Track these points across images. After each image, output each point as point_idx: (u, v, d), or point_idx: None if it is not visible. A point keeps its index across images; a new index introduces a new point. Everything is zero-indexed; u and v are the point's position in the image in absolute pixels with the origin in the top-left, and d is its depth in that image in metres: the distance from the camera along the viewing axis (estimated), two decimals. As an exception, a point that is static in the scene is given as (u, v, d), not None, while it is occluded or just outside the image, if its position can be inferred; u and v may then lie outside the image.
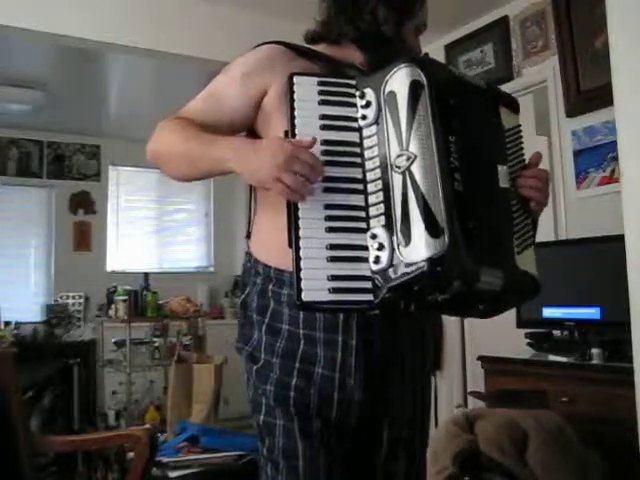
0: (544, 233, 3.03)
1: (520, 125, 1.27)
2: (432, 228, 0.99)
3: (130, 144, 5.27)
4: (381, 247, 1.02)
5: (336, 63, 1.26)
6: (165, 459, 2.49)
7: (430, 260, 0.97)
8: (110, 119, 5.31)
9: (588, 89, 2.96)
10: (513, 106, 1.28)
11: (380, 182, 1.06)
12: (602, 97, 2.68)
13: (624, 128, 1.89)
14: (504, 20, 3.41)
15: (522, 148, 1.25)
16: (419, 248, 0.98)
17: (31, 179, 5.48)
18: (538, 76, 3.24)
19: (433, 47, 3.60)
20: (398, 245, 1.01)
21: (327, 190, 1.07)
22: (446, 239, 0.98)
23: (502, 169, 1.18)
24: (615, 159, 2.66)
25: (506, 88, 3.25)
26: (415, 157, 1.02)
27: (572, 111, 3.04)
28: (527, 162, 1.25)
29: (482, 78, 3.42)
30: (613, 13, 1.92)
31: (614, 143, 2.17)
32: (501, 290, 1.08)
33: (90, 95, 4.71)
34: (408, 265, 0.99)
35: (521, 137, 1.26)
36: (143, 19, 3.19)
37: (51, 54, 3.99)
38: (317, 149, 1.07)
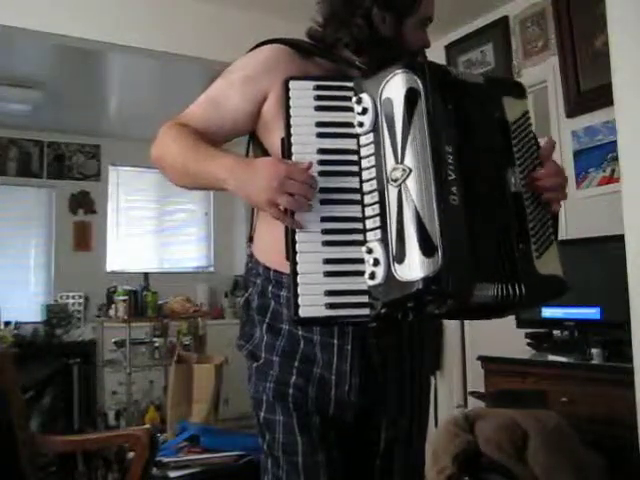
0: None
1: (527, 111, 1.20)
2: (426, 247, 0.97)
3: (130, 144, 5.27)
4: (376, 262, 1.01)
5: (338, 60, 1.24)
6: (165, 459, 2.48)
7: (424, 280, 0.96)
8: (110, 119, 5.30)
9: (588, 89, 2.95)
10: (518, 91, 1.21)
11: (377, 194, 1.04)
12: (602, 97, 2.68)
13: (624, 128, 1.89)
14: (504, 20, 3.41)
15: (533, 137, 1.20)
16: (413, 267, 0.97)
17: (31, 179, 5.47)
18: (538, 76, 3.23)
19: (433, 47, 3.56)
20: (393, 261, 1.00)
21: (324, 202, 1.06)
22: (439, 259, 0.97)
23: (512, 172, 1.13)
24: (615, 159, 2.66)
25: (506, 88, 3.24)
26: (410, 171, 1.00)
27: (572, 111, 3.03)
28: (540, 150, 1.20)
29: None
30: (613, 13, 1.92)
31: (614, 143, 2.17)
32: (506, 301, 1.06)
33: (90, 95, 4.70)
34: (403, 283, 0.98)
35: (530, 125, 1.20)
36: (143, 19, 3.19)
37: (51, 54, 3.99)
38: (313, 158, 1.06)
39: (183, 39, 3.26)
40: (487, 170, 1.12)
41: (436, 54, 3.55)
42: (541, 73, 3.22)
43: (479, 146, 1.10)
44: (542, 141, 1.24)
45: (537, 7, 3.24)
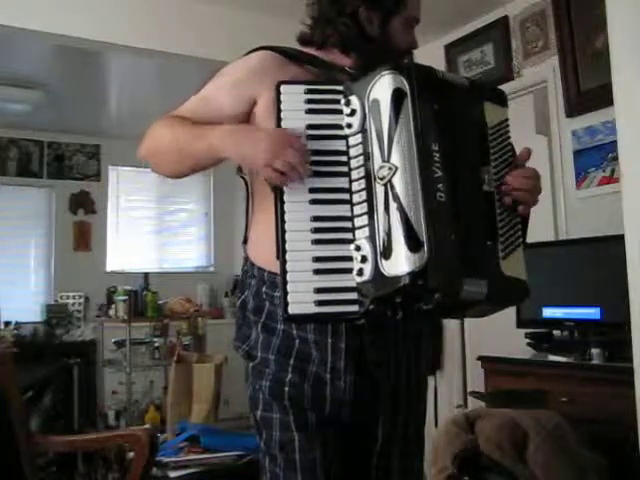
0: (544, 233, 3.04)
1: (507, 119, 1.22)
2: (412, 242, 1.00)
3: (130, 144, 5.19)
4: (364, 259, 1.04)
5: (327, 67, 1.25)
6: (165, 459, 2.48)
7: (410, 274, 0.98)
8: (110, 119, 5.30)
9: (588, 89, 2.96)
10: (500, 99, 1.23)
11: (365, 193, 1.07)
12: (602, 97, 2.68)
13: (624, 128, 1.90)
14: (504, 20, 3.41)
15: (509, 144, 1.21)
16: (400, 262, 1.00)
17: (31, 179, 5.48)
18: (538, 76, 3.24)
19: (433, 47, 3.59)
20: (380, 258, 1.02)
21: (314, 202, 1.08)
22: (425, 254, 0.99)
23: (485, 171, 1.15)
24: (615, 159, 2.66)
25: (506, 88, 3.26)
26: (396, 169, 1.03)
27: (572, 111, 3.03)
28: (515, 158, 1.21)
29: (481, 78, 3.42)
30: (613, 13, 1.92)
31: (614, 143, 2.17)
32: (485, 298, 1.07)
33: (90, 95, 4.70)
34: (390, 278, 1.00)
35: (508, 132, 1.21)
36: (143, 19, 3.19)
37: (51, 54, 3.99)
38: None
39: (183, 39, 3.26)
40: (465, 168, 1.13)
41: (436, 54, 3.55)
42: (541, 73, 3.22)
43: (459, 144, 1.12)
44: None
45: (537, 7, 3.24)
